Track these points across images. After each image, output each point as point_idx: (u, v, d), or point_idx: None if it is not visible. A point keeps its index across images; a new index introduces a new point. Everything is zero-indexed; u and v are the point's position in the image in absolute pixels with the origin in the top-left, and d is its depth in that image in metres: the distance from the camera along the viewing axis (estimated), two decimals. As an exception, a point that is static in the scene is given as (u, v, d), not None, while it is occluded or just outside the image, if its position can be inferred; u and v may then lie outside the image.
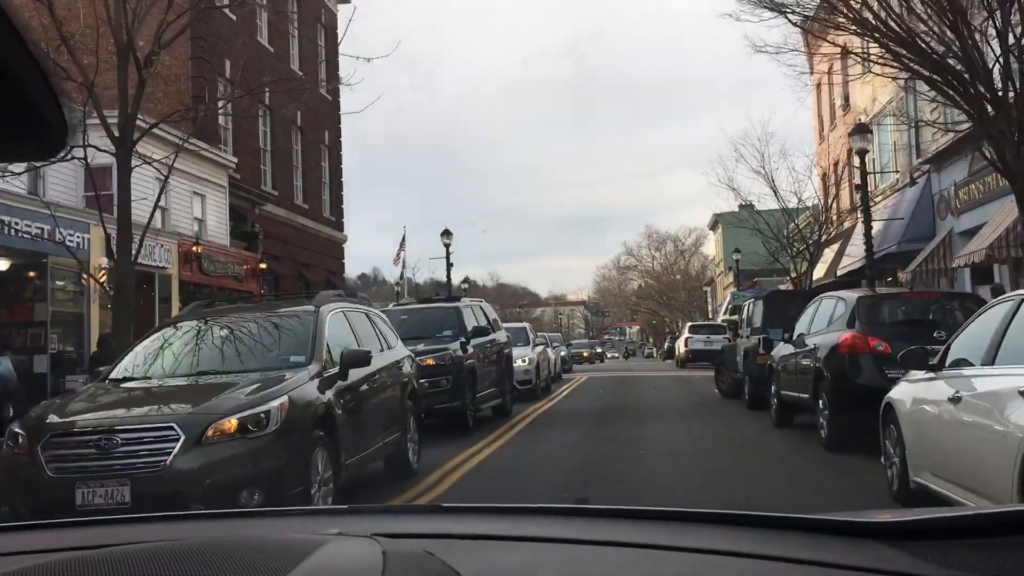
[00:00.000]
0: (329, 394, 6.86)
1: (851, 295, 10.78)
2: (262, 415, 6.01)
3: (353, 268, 58.88)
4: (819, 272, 32.84)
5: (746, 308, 17.22)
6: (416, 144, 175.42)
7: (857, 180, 27.89)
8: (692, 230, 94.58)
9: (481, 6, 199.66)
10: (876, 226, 26.32)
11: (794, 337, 11.91)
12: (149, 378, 7.13)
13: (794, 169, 31.92)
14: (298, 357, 7.04)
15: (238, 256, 24.13)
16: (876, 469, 7.88)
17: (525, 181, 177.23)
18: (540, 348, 21.37)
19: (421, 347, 12.35)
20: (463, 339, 13.26)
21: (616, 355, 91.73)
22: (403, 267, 53.39)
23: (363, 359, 7.48)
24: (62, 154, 1.31)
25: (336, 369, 7.20)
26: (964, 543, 1.33)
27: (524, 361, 19.06)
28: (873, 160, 29.27)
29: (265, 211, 28.46)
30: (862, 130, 19.07)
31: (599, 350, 74.15)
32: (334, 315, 7.88)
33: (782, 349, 12.32)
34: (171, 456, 5.69)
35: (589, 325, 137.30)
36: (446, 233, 34.32)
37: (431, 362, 12.26)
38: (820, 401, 10.28)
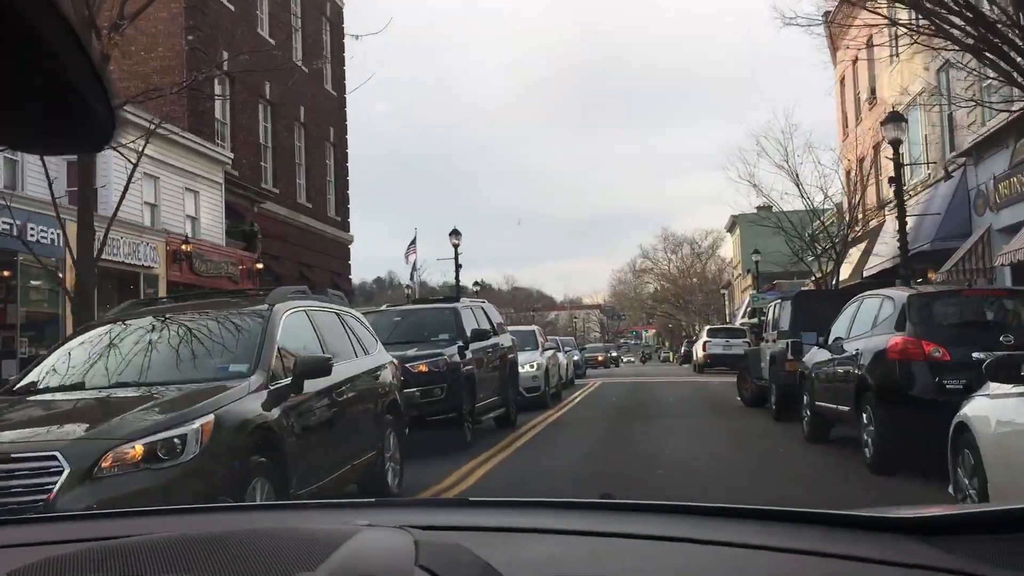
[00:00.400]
0: (276, 411, 5.69)
1: (900, 293, 9.43)
2: (176, 439, 4.82)
3: (369, 272, 57.98)
4: (844, 272, 31.41)
5: (771, 310, 15.88)
6: (433, 147, 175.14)
7: (887, 174, 26.59)
8: (709, 232, 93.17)
9: (493, 5, 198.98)
10: (907, 223, 24.97)
11: (830, 341, 10.60)
12: (55, 389, 5.94)
13: (820, 163, 29.58)
14: (239, 366, 5.87)
15: (233, 255, 22.98)
16: (938, 498, 6.60)
17: (540, 183, 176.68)
18: (550, 352, 20.08)
19: (413, 352, 11.12)
20: (461, 343, 12.00)
21: (632, 359, 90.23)
22: (414, 268, 52.25)
23: (321, 368, 6.31)
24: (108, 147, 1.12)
25: (288, 380, 6.03)
26: (989, 537, 1.34)
27: (532, 367, 17.78)
28: (902, 155, 27.85)
29: (265, 209, 27.32)
30: (896, 118, 17.72)
31: (614, 354, 72.62)
32: (292, 315, 6.74)
33: (816, 355, 11.00)
34: (52, 493, 4.46)
35: (604, 329, 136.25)
36: (455, 233, 33.10)
37: (423, 369, 11.03)
38: (864, 415, 8.95)
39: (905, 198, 25.43)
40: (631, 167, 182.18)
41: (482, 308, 14.23)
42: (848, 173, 31.57)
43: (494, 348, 13.49)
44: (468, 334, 12.37)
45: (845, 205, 27.72)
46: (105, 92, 0.88)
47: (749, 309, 64.99)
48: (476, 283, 51.93)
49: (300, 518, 1.81)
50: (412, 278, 54.96)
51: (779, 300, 15.10)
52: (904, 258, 17.61)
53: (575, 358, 32.48)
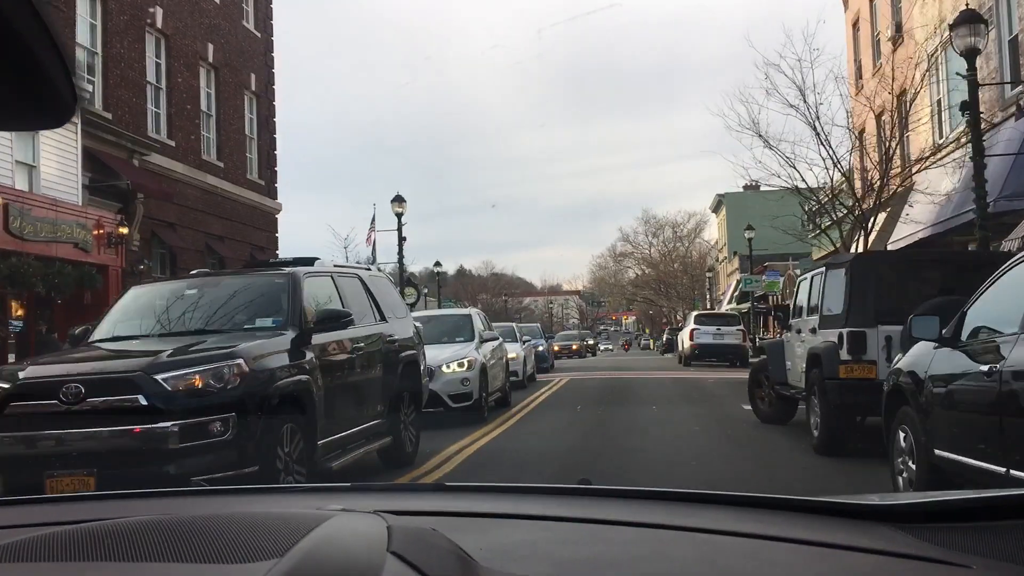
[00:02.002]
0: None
1: None
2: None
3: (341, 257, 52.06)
4: (860, 246, 26.90)
5: (808, 285, 10.73)
6: (408, 131, 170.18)
7: (918, 124, 21.53)
8: (692, 215, 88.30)
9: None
10: (949, 182, 19.94)
11: (964, 336, 5.51)
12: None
13: (847, 95, 22.72)
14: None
15: (85, 215, 17.61)
16: None
17: (521, 170, 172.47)
18: (492, 345, 14.91)
19: (168, 357, 5.98)
20: (296, 333, 6.84)
21: (610, 347, 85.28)
22: (374, 249, 46.96)
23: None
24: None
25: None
26: (968, 526, 1.35)
27: (460, 366, 12.67)
28: (938, 101, 22.86)
29: (152, 164, 21.91)
30: (971, 18, 12.58)
31: (591, 342, 67.39)
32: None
33: (939, 359, 5.78)
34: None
35: (584, 315, 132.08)
36: (398, 200, 27.89)
37: (199, 383, 5.84)
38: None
39: (942, 159, 20.51)
40: (614, 155, 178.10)
41: (358, 278, 8.97)
42: (861, 133, 26.51)
43: (369, 340, 8.29)
44: (310, 318, 7.16)
45: (858, 168, 22.60)
46: (65, 66, 0.86)
47: (737, 293, 60.19)
48: (437, 263, 46.73)
49: (274, 502, 1.83)
50: (373, 259, 49.80)
51: (825, 269, 9.94)
52: (983, 212, 12.62)
53: (540, 348, 27.34)
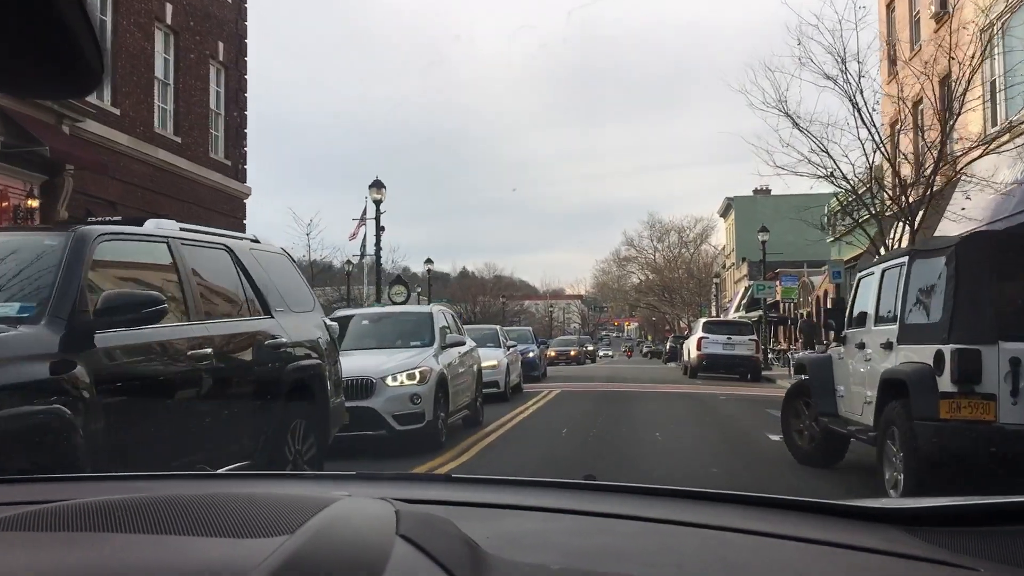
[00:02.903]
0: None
1: None
2: None
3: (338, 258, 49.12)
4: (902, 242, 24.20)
5: (874, 282, 7.77)
6: (414, 135, 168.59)
7: (972, 106, 18.66)
8: (698, 220, 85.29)
9: None
10: (1010, 172, 17.09)
11: None
12: None
13: (899, 61, 18.56)
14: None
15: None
16: None
17: (529, 173, 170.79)
18: (460, 351, 12.03)
19: None
20: (62, 326, 4.01)
21: (610, 353, 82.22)
22: (363, 244, 44.17)
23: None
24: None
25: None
26: (977, 530, 1.35)
27: (407, 378, 9.80)
28: (993, 82, 19.98)
29: (86, 132, 19.07)
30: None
31: (590, 347, 64.33)
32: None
33: None
34: None
35: (586, 320, 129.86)
36: (376, 185, 25.09)
37: None
38: None
39: (1004, 145, 17.69)
40: (620, 161, 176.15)
41: (226, 249, 6.04)
42: (894, 125, 23.61)
43: (228, 343, 5.45)
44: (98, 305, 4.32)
45: (905, 153, 19.65)
46: (94, 35, 0.87)
47: (745, 301, 57.18)
48: (428, 260, 43.96)
49: (281, 487, 1.84)
50: (362, 255, 46.99)
51: (902, 261, 7.02)
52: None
53: (530, 355, 24.48)
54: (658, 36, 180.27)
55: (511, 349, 18.27)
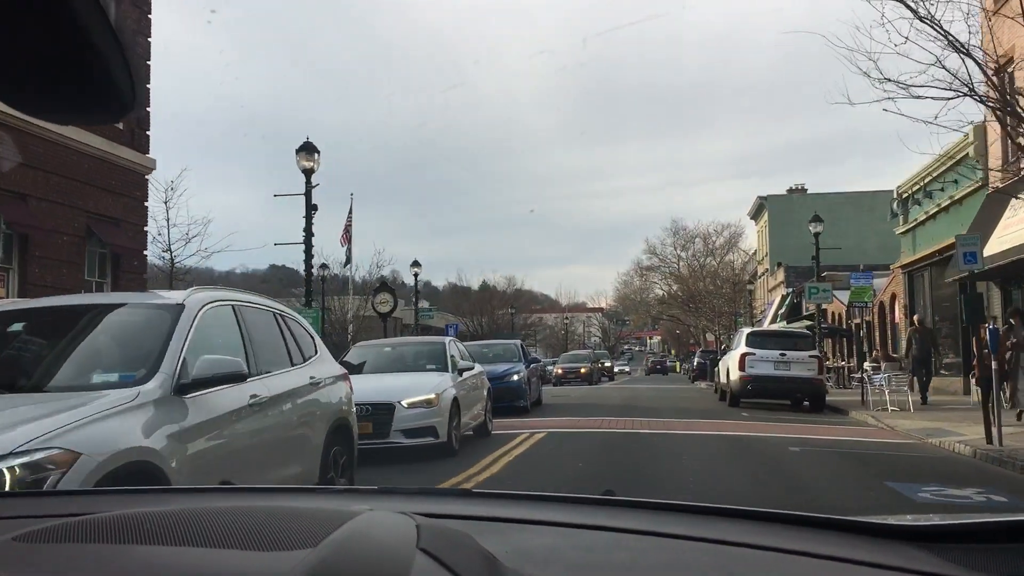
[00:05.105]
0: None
1: None
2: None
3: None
4: (992, 247, 18.46)
5: None
6: (436, 150, 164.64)
7: None
8: (725, 226, 78.22)
9: (503, 5, 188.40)
10: None
11: None
12: None
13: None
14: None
15: None
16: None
17: (551, 188, 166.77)
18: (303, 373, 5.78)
19: None
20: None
21: (627, 369, 75.28)
22: (349, 251, 37.88)
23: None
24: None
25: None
26: (989, 547, 1.33)
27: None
28: None
29: None
30: None
31: (606, 363, 57.40)
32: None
33: None
34: None
35: (607, 334, 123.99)
36: (306, 149, 18.87)
37: None
38: None
39: None
40: (642, 176, 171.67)
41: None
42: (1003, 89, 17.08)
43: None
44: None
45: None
46: (127, 61, 0.88)
47: (783, 311, 50.35)
48: (415, 263, 37.73)
49: (303, 500, 1.85)
50: (348, 260, 40.74)
51: None
52: None
53: (514, 378, 18.05)
54: (676, 54, 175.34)
55: (465, 373, 11.88)
